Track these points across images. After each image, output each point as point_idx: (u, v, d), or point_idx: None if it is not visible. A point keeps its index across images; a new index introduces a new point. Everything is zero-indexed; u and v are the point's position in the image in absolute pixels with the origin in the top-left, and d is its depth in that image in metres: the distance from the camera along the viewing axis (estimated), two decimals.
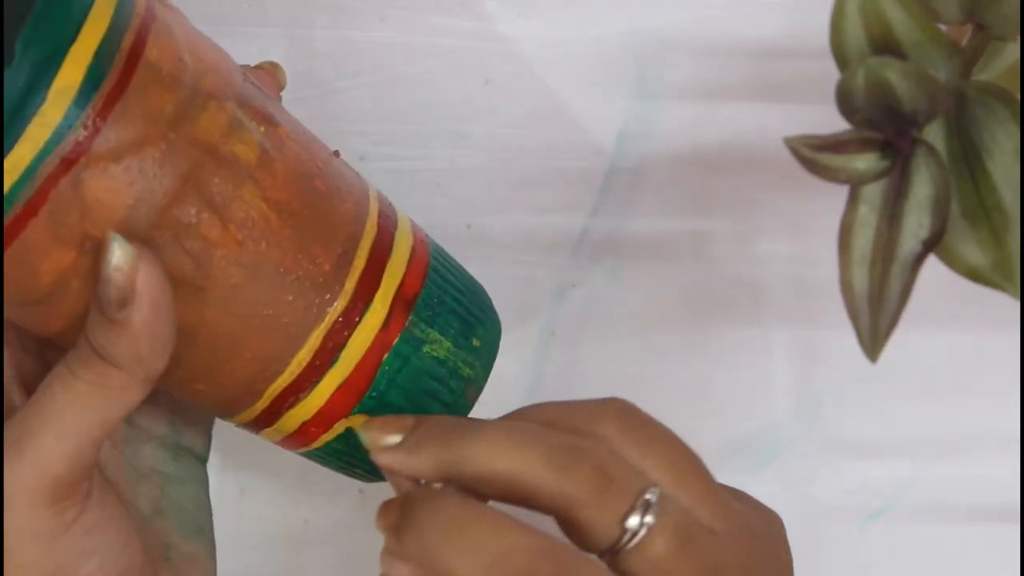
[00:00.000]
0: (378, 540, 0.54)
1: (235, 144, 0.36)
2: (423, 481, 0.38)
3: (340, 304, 0.38)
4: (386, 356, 0.39)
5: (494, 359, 0.41)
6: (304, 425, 0.39)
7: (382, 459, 0.38)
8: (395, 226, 0.40)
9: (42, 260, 0.34)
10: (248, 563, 0.52)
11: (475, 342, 0.40)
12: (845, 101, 0.34)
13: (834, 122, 0.35)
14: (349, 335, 0.38)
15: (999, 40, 0.36)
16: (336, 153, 0.40)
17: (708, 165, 0.51)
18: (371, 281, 0.38)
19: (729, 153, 0.50)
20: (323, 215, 0.37)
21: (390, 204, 0.41)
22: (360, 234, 0.38)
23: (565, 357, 0.52)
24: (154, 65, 0.34)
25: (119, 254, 0.34)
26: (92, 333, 0.34)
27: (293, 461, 0.53)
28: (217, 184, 0.35)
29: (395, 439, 0.38)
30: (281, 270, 0.37)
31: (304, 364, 0.38)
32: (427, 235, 0.41)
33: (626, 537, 0.35)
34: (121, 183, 0.34)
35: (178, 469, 0.41)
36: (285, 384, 0.38)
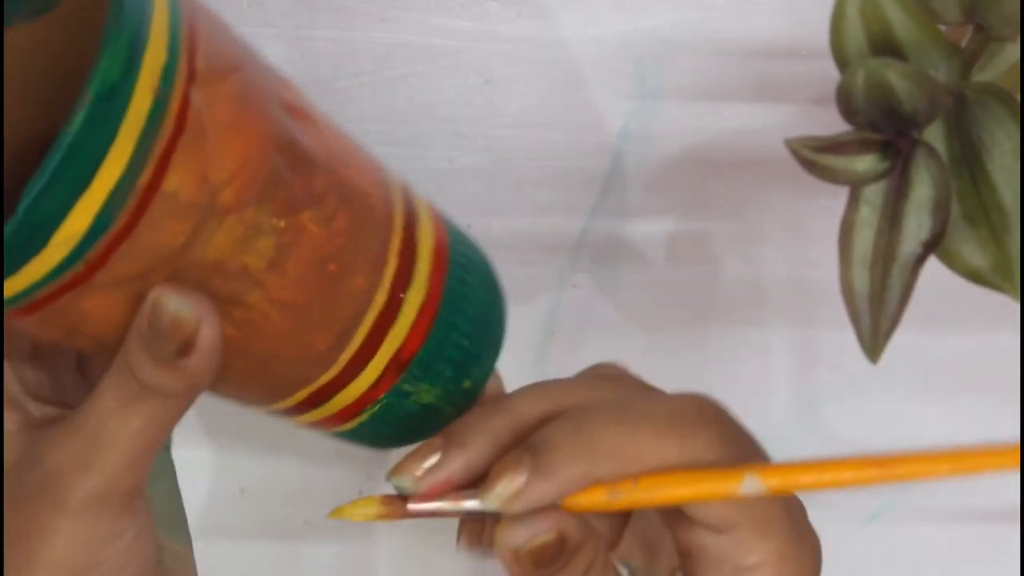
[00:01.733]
0: (378, 540, 0.54)
1: (246, 255, 0.35)
2: None
3: (330, 374, 0.38)
4: (367, 407, 0.39)
5: (486, 382, 0.41)
6: None
7: (517, 506, 0.36)
8: (411, 278, 0.39)
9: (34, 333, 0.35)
10: (248, 563, 0.52)
11: (466, 384, 0.40)
12: (845, 102, 0.34)
13: (834, 123, 0.35)
14: (333, 394, 0.39)
15: (999, 41, 0.36)
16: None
17: (708, 165, 0.51)
18: (368, 351, 0.38)
19: (729, 153, 0.50)
20: (328, 302, 0.37)
21: (414, 235, 0.39)
22: (366, 309, 0.38)
23: (565, 357, 0.52)
24: (172, 196, 0.33)
25: (183, 304, 0.34)
26: (140, 369, 0.34)
27: (293, 461, 0.53)
28: (220, 293, 0.35)
29: (520, 479, 0.36)
30: (275, 355, 0.37)
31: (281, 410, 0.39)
32: (453, 254, 0.40)
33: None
34: (119, 300, 0.34)
35: (154, 465, 0.42)
36: None
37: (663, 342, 0.52)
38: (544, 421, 0.37)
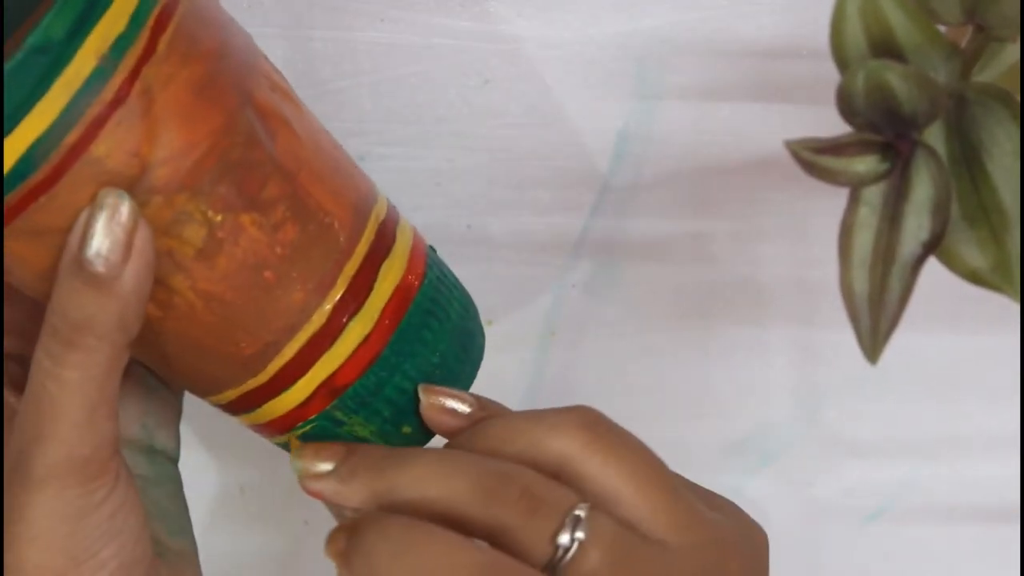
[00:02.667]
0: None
1: (171, 239, 0.35)
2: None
3: (257, 381, 0.38)
4: (298, 424, 0.39)
5: (429, 434, 0.41)
6: None
7: (313, 486, 0.39)
8: (359, 308, 0.38)
9: None
10: (248, 563, 0.52)
11: (405, 429, 0.40)
12: (845, 104, 0.34)
13: (834, 123, 0.35)
14: (261, 402, 0.39)
15: (999, 41, 0.36)
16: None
17: (708, 165, 0.51)
18: (298, 368, 0.38)
19: (729, 153, 0.50)
20: (259, 307, 0.37)
21: (376, 268, 0.39)
22: (300, 325, 0.37)
23: (565, 357, 0.52)
24: (98, 161, 0.33)
25: (118, 206, 0.34)
26: (70, 305, 0.34)
27: None
28: None
29: (327, 467, 0.39)
30: (199, 345, 0.37)
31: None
32: (423, 299, 0.39)
33: (559, 553, 0.36)
34: (42, 251, 0.34)
35: (154, 472, 0.41)
36: None
37: (663, 342, 0.52)
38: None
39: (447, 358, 0.40)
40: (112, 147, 0.33)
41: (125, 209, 0.34)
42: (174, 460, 0.42)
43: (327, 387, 0.38)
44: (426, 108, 0.50)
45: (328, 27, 0.49)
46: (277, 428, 0.39)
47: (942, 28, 0.35)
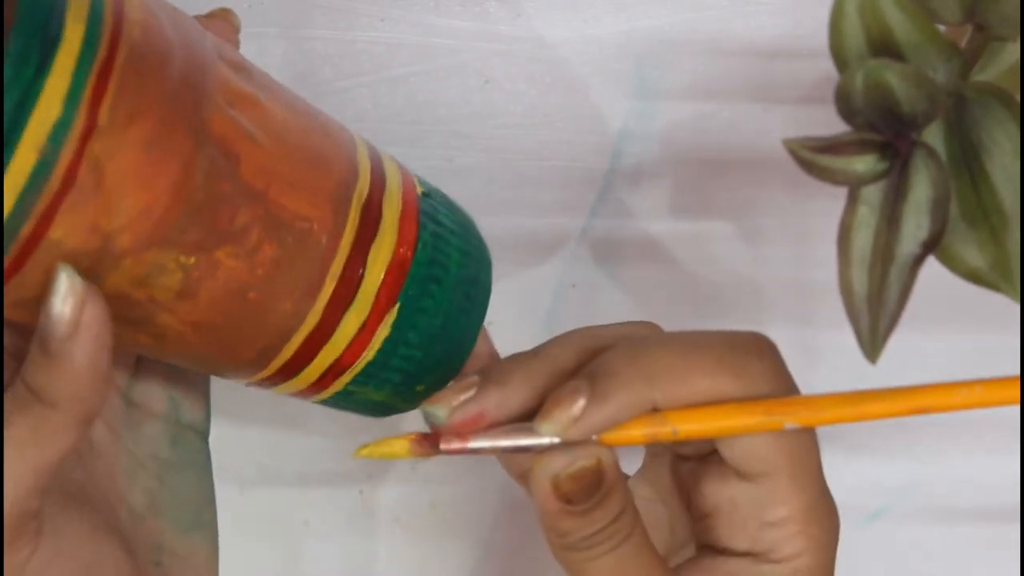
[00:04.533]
0: (378, 540, 0.54)
1: (149, 289, 0.35)
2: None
3: (265, 372, 0.38)
4: (313, 395, 0.39)
5: (444, 385, 0.40)
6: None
7: (578, 431, 0.35)
8: (351, 300, 0.38)
9: None
10: (248, 563, 0.52)
11: (419, 388, 0.40)
12: (844, 103, 0.34)
13: (834, 123, 0.35)
14: (272, 386, 0.39)
15: (998, 41, 0.36)
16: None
17: (708, 165, 0.51)
18: (298, 363, 0.38)
19: (729, 153, 0.50)
20: (249, 324, 0.37)
21: (364, 255, 0.38)
22: (295, 329, 0.37)
23: None
24: (57, 243, 0.33)
25: (67, 284, 0.33)
26: (29, 372, 0.34)
27: (293, 461, 0.53)
28: (126, 317, 0.35)
29: (580, 404, 0.35)
30: (201, 356, 0.37)
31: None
32: (418, 267, 0.39)
33: None
34: (29, 318, 0.34)
35: (177, 454, 0.41)
36: None
37: None
38: (582, 367, 0.37)
39: (450, 317, 0.39)
40: (68, 229, 0.32)
41: (73, 287, 0.33)
42: (203, 435, 0.42)
43: (332, 372, 0.38)
44: (426, 108, 0.50)
45: (328, 27, 0.49)
46: (303, 394, 0.40)
47: (941, 27, 0.35)
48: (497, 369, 0.37)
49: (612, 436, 0.36)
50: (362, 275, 0.37)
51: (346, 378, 0.38)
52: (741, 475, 0.37)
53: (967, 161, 0.35)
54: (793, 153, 0.34)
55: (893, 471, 0.53)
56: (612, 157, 0.51)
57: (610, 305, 0.52)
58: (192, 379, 0.42)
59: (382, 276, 0.38)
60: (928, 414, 0.37)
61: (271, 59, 0.48)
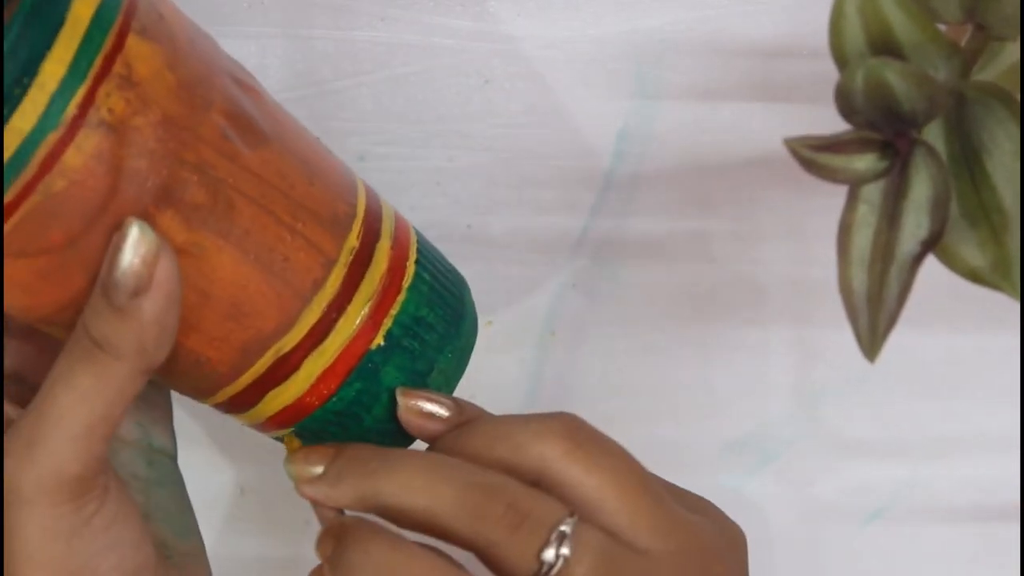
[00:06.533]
0: None
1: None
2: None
3: (230, 391, 0.38)
4: (291, 426, 0.40)
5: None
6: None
7: (306, 491, 0.39)
8: (323, 340, 0.38)
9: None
10: (248, 562, 0.52)
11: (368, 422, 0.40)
12: (844, 102, 0.34)
13: (834, 122, 0.35)
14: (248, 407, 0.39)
15: (999, 40, 0.36)
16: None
17: (708, 165, 0.51)
18: (261, 389, 0.38)
19: (729, 153, 0.50)
20: (225, 342, 0.37)
21: (345, 303, 0.38)
22: (268, 347, 0.37)
23: (565, 357, 0.52)
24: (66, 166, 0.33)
25: (142, 241, 0.34)
26: (93, 323, 0.34)
27: None
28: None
29: (318, 470, 0.39)
30: (173, 372, 0.38)
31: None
32: (398, 324, 0.39)
33: (544, 569, 0.36)
34: (34, 274, 0.34)
35: (155, 472, 0.41)
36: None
37: (663, 342, 0.52)
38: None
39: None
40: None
41: (145, 240, 0.34)
42: (173, 457, 0.42)
43: (290, 414, 0.39)
44: (426, 108, 0.50)
45: (328, 27, 0.49)
46: (273, 424, 0.40)
47: (942, 27, 0.35)
48: (343, 465, 0.39)
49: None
50: (336, 322, 0.38)
51: (303, 422, 0.39)
52: None
53: (967, 160, 0.36)
54: (794, 152, 0.34)
55: (893, 471, 0.53)
56: (612, 157, 0.51)
57: (610, 305, 0.52)
58: (155, 408, 0.42)
59: (353, 334, 0.38)
60: None
61: (271, 59, 0.48)
